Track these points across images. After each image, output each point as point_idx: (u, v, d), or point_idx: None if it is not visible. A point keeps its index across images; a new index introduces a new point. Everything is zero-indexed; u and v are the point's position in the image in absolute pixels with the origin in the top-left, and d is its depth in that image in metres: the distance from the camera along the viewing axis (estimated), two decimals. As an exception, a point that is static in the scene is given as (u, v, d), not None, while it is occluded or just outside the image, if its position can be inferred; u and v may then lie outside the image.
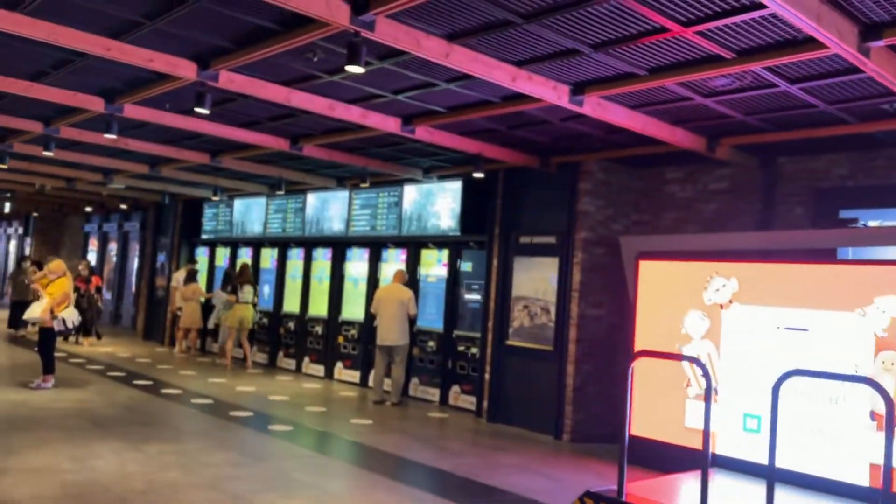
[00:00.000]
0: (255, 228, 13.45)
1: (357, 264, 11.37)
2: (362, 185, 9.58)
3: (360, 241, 11.26)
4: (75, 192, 15.45)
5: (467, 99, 6.08)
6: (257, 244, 13.39)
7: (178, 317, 13.48)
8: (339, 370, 11.28)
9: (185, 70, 5.50)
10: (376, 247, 10.98)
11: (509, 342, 8.53)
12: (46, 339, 8.90)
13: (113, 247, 19.25)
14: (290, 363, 12.16)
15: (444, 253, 9.95)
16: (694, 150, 6.59)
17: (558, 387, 7.91)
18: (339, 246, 11.61)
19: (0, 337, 13.96)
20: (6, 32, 4.97)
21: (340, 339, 11.35)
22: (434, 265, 10.16)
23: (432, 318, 9.96)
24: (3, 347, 12.68)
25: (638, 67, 4.92)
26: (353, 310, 11.28)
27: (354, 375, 11.00)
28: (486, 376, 8.70)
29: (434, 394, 9.73)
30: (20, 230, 24.46)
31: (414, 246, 10.36)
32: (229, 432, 7.31)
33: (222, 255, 14.49)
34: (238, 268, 12.14)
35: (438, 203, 9.93)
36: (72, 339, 13.00)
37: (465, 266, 9.64)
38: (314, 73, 5.71)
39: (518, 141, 7.55)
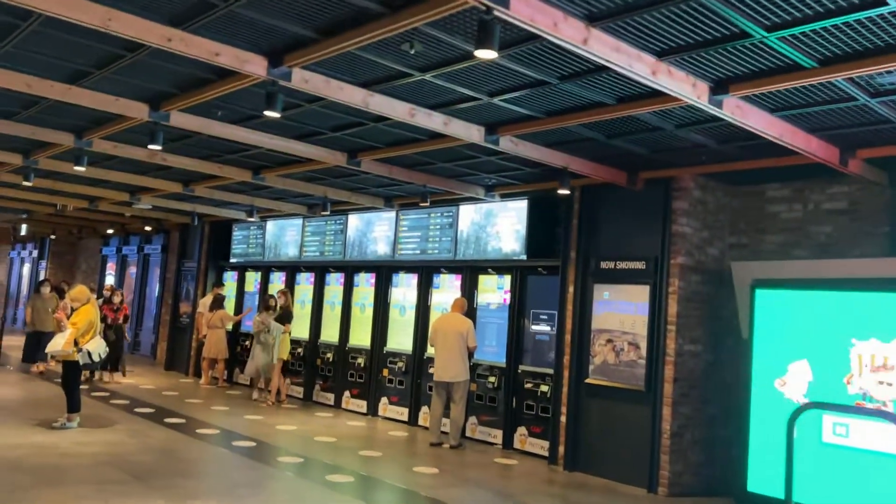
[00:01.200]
0: (289, 252, 12.62)
1: (404, 291, 10.50)
2: (422, 205, 8.73)
3: (409, 266, 10.39)
4: (96, 213, 14.71)
5: (574, 102, 5.24)
6: (292, 269, 12.53)
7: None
8: (384, 406, 10.36)
9: (255, 66, 4.70)
10: (427, 272, 10.11)
11: (590, 380, 7.60)
12: (71, 373, 8.02)
13: (133, 271, 18.43)
14: (329, 397, 11.24)
15: (506, 279, 9.07)
16: (827, 163, 5.71)
17: (652, 432, 6.97)
18: (385, 271, 10.75)
19: (19, 370, 13.12)
20: (53, 18, 4.18)
21: (385, 373, 10.43)
22: (494, 292, 9.27)
23: (492, 351, 9.06)
24: (22, 381, 11.83)
25: (811, 56, 4.07)
26: (399, 340, 10.39)
27: (402, 412, 10.07)
28: (563, 418, 7.76)
29: (496, 436, 8.78)
30: (34, 253, 23.73)
31: (470, 271, 9.49)
32: (285, 485, 6.39)
33: (252, 280, 13.64)
34: (284, 296, 11.20)
35: (500, 224, 9.08)
36: (100, 375, 11.77)
37: (532, 294, 8.75)
38: (403, 71, 4.89)
39: (610, 153, 6.71)
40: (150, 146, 6.37)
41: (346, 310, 11.27)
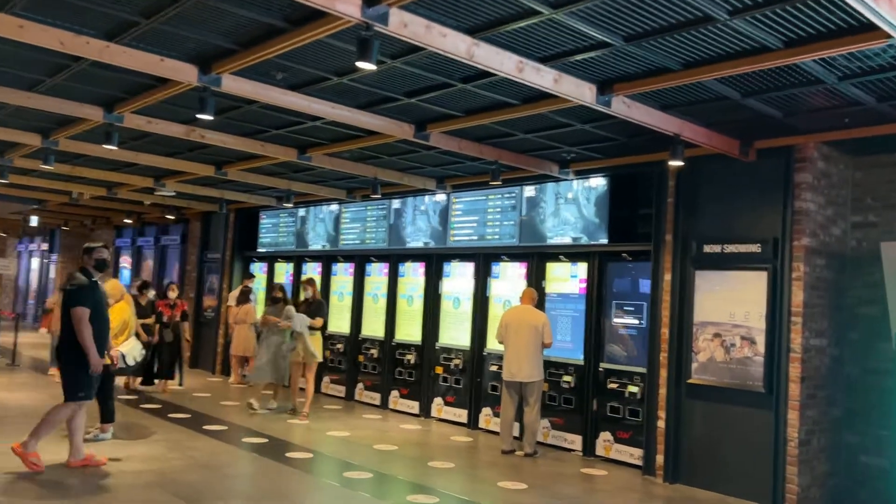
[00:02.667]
0: (324, 240, 11.71)
1: (458, 281, 9.59)
2: (492, 183, 7.76)
3: (463, 254, 9.47)
4: (113, 202, 13.80)
5: (731, 46, 4.29)
6: (328, 258, 11.62)
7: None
8: (439, 408, 9.47)
9: (347, 4, 3.77)
10: (485, 260, 9.19)
11: (694, 380, 6.69)
12: (103, 379, 7.11)
13: (151, 264, 17.51)
14: (374, 397, 10.36)
15: (581, 266, 8.14)
16: None
17: (775, 440, 6.07)
18: (435, 259, 9.83)
19: (37, 371, 12.25)
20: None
21: (439, 370, 9.55)
22: (566, 281, 8.35)
23: (567, 346, 8.15)
24: (40, 385, 10.95)
25: None
26: (454, 335, 9.48)
27: (459, 414, 9.18)
28: (660, 423, 6.86)
29: (574, 441, 7.89)
30: (43, 246, 22.85)
31: (537, 258, 8.56)
32: (361, 508, 5.52)
33: (283, 271, 12.73)
34: (311, 286, 9.30)
35: (573, 205, 8.15)
36: (162, 384, 10.35)
37: (614, 282, 7.84)
38: (529, 8, 3.95)
39: (729, 118, 5.77)
40: (200, 115, 5.43)
41: (391, 302, 10.36)
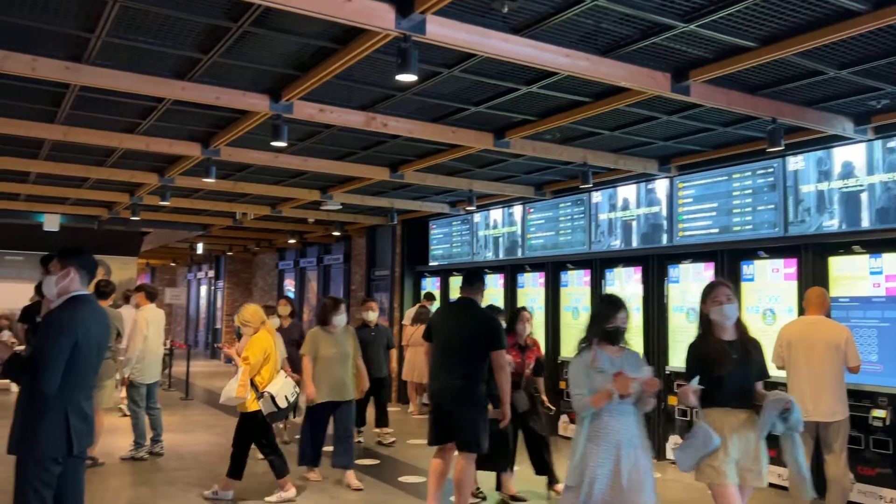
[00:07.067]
0: (505, 248, 10.14)
1: (690, 286, 7.61)
2: (770, 150, 5.70)
3: (697, 252, 7.50)
4: (276, 222, 13.05)
5: None
6: (511, 268, 10.02)
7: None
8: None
9: None
10: (730, 258, 7.15)
11: None
12: (246, 429, 5.75)
13: (315, 285, 16.85)
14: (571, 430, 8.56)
15: (889, 258, 5.94)
16: None
17: None
18: (655, 261, 7.92)
19: (205, 402, 11.59)
20: None
21: (672, 401, 7.61)
22: (862, 280, 6.16)
23: (873, 369, 5.95)
24: (224, 426, 10.15)
25: None
26: (690, 355, 7.51)
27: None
28: None
29: (892, 498, 5.69)
30: (210, 273, 23.11)
31: (811, 251, 6.44)
32: None
33: (458, 286, 11.26)
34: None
35: (876, 174, 5.99)
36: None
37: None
38: None
39: None
40: (401, 76, 3.94)
41: (598, 317, 8.55)
